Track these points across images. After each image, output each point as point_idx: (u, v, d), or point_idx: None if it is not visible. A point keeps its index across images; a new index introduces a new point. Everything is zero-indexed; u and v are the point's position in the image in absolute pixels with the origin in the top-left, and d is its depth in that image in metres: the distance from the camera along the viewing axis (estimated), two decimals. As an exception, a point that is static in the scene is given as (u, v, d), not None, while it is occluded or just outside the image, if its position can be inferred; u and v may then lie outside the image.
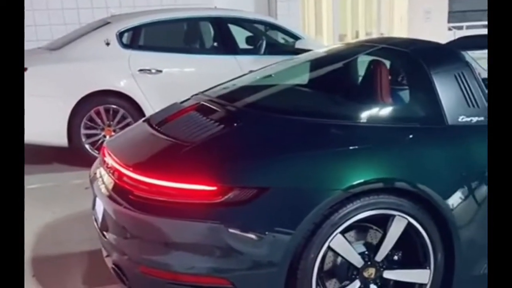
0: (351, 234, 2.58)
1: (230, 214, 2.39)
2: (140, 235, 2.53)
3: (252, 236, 2.38)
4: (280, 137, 2.66)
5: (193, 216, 2.40)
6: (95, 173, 3.04)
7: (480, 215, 2.64)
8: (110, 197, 2.68)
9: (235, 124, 2.82)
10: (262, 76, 3.75)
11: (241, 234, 2.38)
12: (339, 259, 2.55)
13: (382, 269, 2.60)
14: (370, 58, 3.35)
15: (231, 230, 2.37)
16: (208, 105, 3.12)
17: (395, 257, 2.64)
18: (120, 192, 2.64)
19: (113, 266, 2.70)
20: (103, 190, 2.78)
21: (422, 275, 2.65)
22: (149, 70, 5.70)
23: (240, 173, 2.47)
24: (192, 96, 3.44)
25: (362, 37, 14.07)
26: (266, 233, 2.37)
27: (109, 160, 2.86)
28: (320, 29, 13.61)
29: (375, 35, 13.69)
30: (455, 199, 2.58)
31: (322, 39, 12.78)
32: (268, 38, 6.65)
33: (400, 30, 14.50)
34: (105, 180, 2.83)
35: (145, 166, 2.62)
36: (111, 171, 2.79)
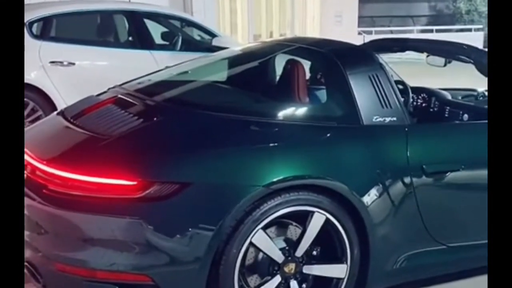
0: (272, 230, 2.60)
1: (150, 210, 2.35)
2: (55, 231, 2.45)
3: (174, 232, 2.35)
4: (201, 132, 2.65)
5: (112, 211, 2.34)
6: (5, 167, 2.90)
7: (394, 212, 2.74)
8: None
9: (155, 119, 2.78)
10: (180, 71, 3.71)
11: (162, 230, 2.35)
12: (260, 255, 2.57)
13: (301, 264, 2.64)
14: (287, 57, 3.39)
15: (151, 226, 2.33)
16: (126, 98, 3.05)
17: (314, 253, 2.69)
18: (33, 186, 2.52)
19: (26, 263, 2.58)
20: (15, 184, 2.66)
21: (339, 270, 2.71)
22: (61, 62, 5.51)
23: (161, 168, 2.44)
24: (108, 89, 3.35)
25: (276, 37, 14.26)
26: (188, 229, 2.35)
27: (21, 153, 2.73)
28: (235, 28, 13.68)
29: (289, 36, 13.89)
30: (370, 197, 2.67)
31: (236, 38, 12.84)
32: (184, 34, 6.60)
33: (312, 32, 14.84)
34: (17, 174, 2.71)
35: (60, 160, 2.53)
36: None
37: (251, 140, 2.64)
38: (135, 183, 2.35)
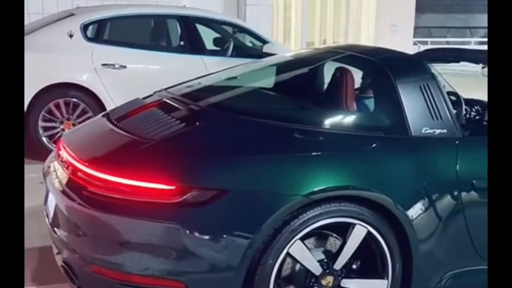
0: (310, 241, 2.54)
1: (188, 215, 2.32)
2: (93, 233, 2.44)
3: (210, 238, 2.32)
4: (243, 139, 2.61)
5: (149, 215, 2.32)
6: (49, 167, 2.93)
7: (440, 227, 2.64)
8: (63, 192, 2.58)
9: (197, 123, 2.75)
10: (227, 76, 3.70)
11: (198, 236, 2.31)
12: (297, 266, 2.50)
13: (340, 278, 2.56)
14: (337, 64, 3.32)
15: (188, 232, 2.30)
16: (171, 102, 3.04)
17: (354, 266, 2.61)
18: (74, 187, 2.54)
19: (63, 264, 2.60)
20: (56, 184, 2.68)
21: (379, 285, 2.62)
22: (113, 65, 5.58)
23: (200, 174, 2.41)
24: (154, 92, 3.35)
25: (329, 45, 14.10)
26: (225, 236, 2.31)
27: (64, 153, 2.76)
28: (288, 36, 13.64)
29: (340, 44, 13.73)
30: (415, 211, 2.57)
31: (289, 45, 12.80)
32: (236, 40, 6.60)
33: (366, 41, 14.65)
34: (59, 175, 2.73)
35: (101, 162, 2.53)
36: (65, 165, 2.69)
37: (293, 148, 2.58)
38: (173, 187, 2.33)
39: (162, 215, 2.32)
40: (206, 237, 2.32)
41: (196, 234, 2.31)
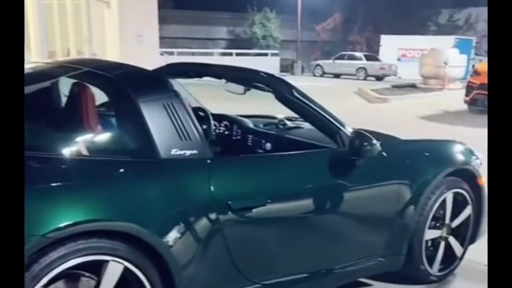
0: (58, 286, 2.22)
1: None
2: None
3: None
4: None
5: None
6: None
7: (200, 251, 2.53)
8: None
9: None
10: None
11: None
12: None
13: None
14: (73, 81, 2.99)
15: None
16: None
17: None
18: None
19: None
20: None
21: None
22: None
23: None
24: None
25: (74, 55, 13.50)
26: None
27: None
28: (28, 44, 12.65)
29: (87, 55, 13.23)
30: (172, 237, 2.42)
31: (30, 55, 11.87)
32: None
33: (112, 51, 14.34)
34: None
35: None
36: None
37: (26, 180, 2.22)
38: None
39: None
40: None
41: None
